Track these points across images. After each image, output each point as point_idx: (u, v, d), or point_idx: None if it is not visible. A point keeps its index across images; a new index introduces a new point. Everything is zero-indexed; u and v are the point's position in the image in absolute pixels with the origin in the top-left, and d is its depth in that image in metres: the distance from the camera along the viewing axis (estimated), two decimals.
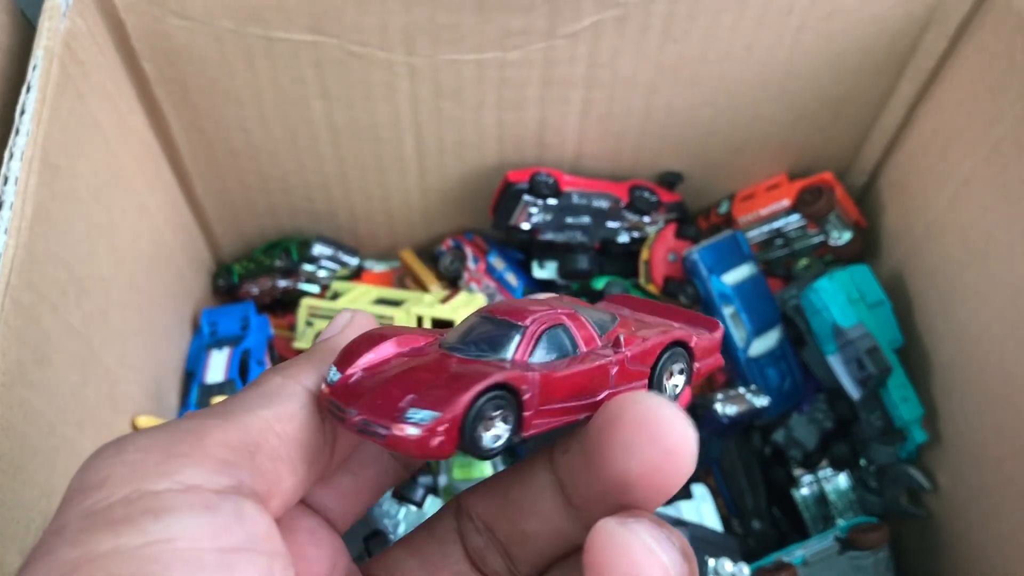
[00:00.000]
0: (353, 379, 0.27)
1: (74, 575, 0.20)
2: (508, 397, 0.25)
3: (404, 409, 0.24)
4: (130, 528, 0.21)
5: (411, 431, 0.23)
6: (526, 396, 0.25)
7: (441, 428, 0.24)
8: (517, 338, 0.27)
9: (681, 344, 0.30)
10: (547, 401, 0.26)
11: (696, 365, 0.31)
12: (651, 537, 0.23)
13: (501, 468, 0.66)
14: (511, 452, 0.67)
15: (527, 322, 0.27)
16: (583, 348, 0.28)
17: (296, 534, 0.28)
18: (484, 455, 0.25)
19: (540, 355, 0.27)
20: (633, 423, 0.24)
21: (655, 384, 0.29)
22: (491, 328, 0.28)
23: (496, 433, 0.25)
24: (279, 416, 0.26)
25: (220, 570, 0.21)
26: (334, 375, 0.27)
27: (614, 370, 0.28)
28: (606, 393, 0.27)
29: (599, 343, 0.28)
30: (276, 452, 0.25)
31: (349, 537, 0.31)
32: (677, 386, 0.30)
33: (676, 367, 0.30)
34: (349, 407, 0.25)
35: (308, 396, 0.27)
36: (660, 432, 0.24)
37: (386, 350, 0.28)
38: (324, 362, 0.28)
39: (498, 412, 0.25)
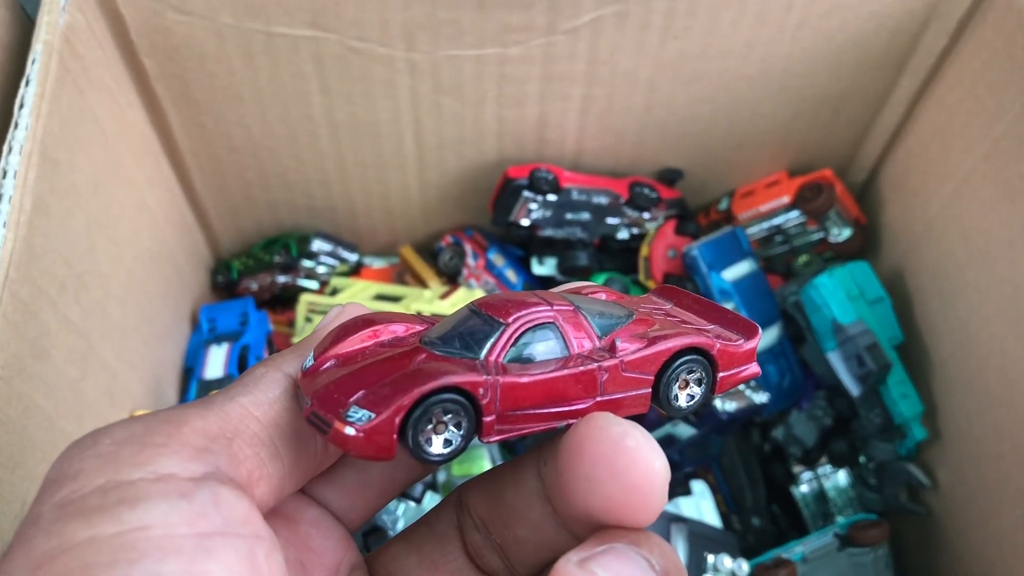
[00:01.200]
0: (324, 367, 0.26)
1: (50, 565, 0.20)
2: (462, 401, 0.24)
3: (348, 406, 0.23)
4: (105, 517, 0.21)
5: (348, 430, 0.23)
6: (484, 401, 0.24)
7: (377, 430, 0.23)
8: (495, 336, 0.26)
9: (700, 351, 0.27)
10: (513, 407, 0.24)
11: (721, 375, 0.28)
12: None
13: (500, 463, 0.66)
14: (509, 447, 0.67)
15: (508, 320, 0.26)
16: (574, 350, 0.26)
17: (299, 524, 0.28)
18: (431, 461, 0.24)
19: (521, 355, 0.26)
20: (592, 456, 0.23)
21: (661, 394, 0.27)
22: (475, 323, 0.27)
23: (447, 438, 0.24)
24: (258, 402, 0.26)
25: (197, 554, 0.21)
26: (309, 361, 0.27)
27: (603, 377, 0.26)
28: (593, 401, 0.26)
29: (596, 345, 0.27)
30: (256, 438, 0.25)
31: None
32: (693, 397, 0.28)
33: (692, 376, 0.27)
34: (306, 396, 0.25)
35: (290, 382, 0.27)
36: (622, 467, 0.23)
37: (368, 338, 0.27)
38: (309, 351, 0.28)
39: (449, 416, 0.24)
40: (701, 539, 0.59)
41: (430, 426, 0.24)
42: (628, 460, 0.23)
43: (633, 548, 0.23)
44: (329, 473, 0.29)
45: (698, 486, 0.67)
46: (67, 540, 0.21)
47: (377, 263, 0.81)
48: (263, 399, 0.26)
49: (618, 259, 0.76)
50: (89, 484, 0.22)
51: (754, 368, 0.29)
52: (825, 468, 0.69)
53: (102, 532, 0.21)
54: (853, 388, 0.67)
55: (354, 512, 0.30)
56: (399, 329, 0.28)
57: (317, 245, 0.76)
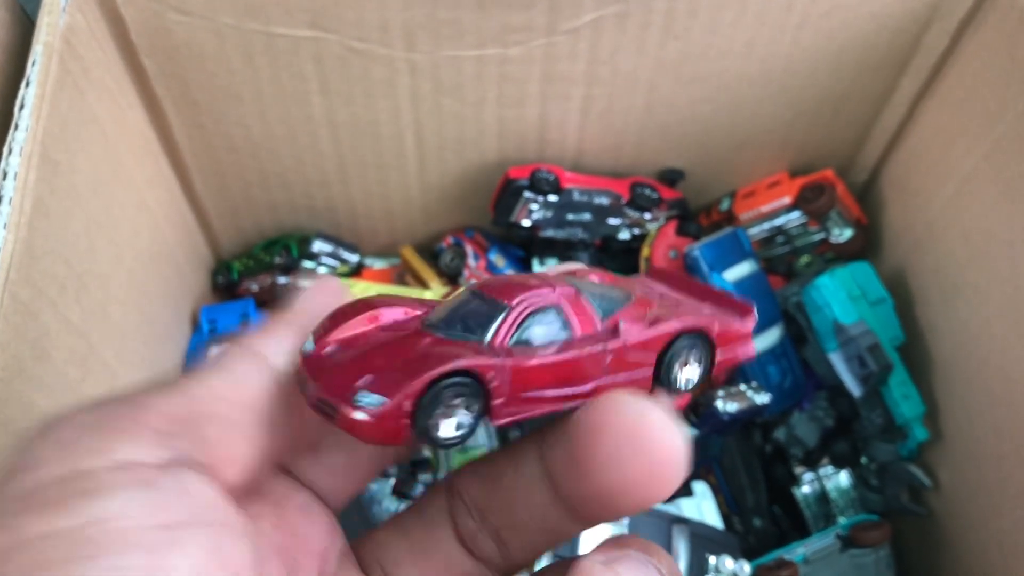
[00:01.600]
0: (326, 352, 0.26)
1: (2, 563, 0.19)
2: (472, 384, 0.23)
3: (357, 391, 0.23)
4: (63, 510, 0.20)
5: (358, 415, 0.23)
6: (493, 384, 0.24)
7: (389, 415, 0.22)
8: (500, 319, 0.25)
9: (699, 332, 0.28)
10: (522, 389, 0.24)
11: (719, 355, 0.28)
12: None
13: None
14: (503, 434, 0.67)
15: (513, 302, 0.26)
16: (577, 333, 0.26)
17: (285, 509, 0.28)
18: (441, 445, 0.24)
19: (525, 338, 0.25)
20: (617, 433, 0.23)
21: (662, 375, 0.27)
22: (477, 306, 0.26)
23: (458, 421, 0.24)
24: (227, 382, 0.25)
25: (160, 547, 0.20)
26: (309, 346, 0.26)
27: (608, 359, 0.26)
28: (597, 383, 0.26)
29: (598, 327, 0.27)
30: (226, 419, 0.24)
31: (345, 534, 0.30)
32: (691, 379, 0.28)
33: (692, 357, 0.28)
34: (311, 382, 0.25)
35: (262, 362, 0.26)
36: (646, 443, 0.23)
37: (368, 322, 0.27)
38: (286, 328, 0.27)
39: (459, 400, 0.23)
40: (703, 540, 0.59)
41: (439, 410, 0.23)
42: (653, 435, 0.23)
43: (646, 557, 0.23)
44: (316, 453, 0.29)
45: (699, 487, 0.67)
46: (22, 535, 0.19)
47: (378, 264, 0.81)
48: (232, 379, 0.25)
49: (619, 260, 0.76)
50: (47, 475, 0.21)
51: (750, 348, 0.29)
52: (827, 469, 0.69)
53: (60, 526, 0.19)
54: (855, 389, 0.67)
55: (339, 492, 0.29)
56: (398, 313, 0.27)
57: (318, 246, 0.76)
